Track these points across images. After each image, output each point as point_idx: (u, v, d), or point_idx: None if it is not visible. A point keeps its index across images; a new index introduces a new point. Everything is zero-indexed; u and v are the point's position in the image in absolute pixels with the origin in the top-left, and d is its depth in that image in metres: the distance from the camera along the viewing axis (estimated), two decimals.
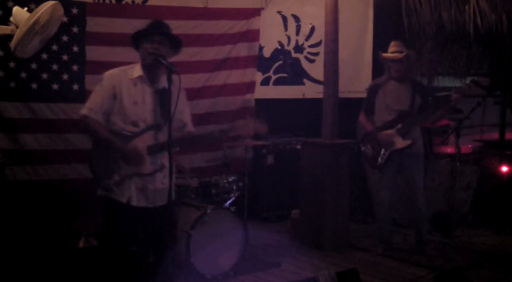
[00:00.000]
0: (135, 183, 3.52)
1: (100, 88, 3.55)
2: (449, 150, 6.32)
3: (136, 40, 3.54)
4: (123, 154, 3.47)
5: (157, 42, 3.45)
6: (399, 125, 5.14)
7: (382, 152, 5.21)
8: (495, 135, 6.62)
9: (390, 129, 5.17)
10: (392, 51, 5.20)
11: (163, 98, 3.46)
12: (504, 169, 6.19)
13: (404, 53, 5.15)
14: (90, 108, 3.52)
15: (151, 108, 3.53)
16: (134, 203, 3.53)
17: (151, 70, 3.54)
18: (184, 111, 3.69)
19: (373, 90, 5.38)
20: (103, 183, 3.52)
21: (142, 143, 3.48)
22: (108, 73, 3.58)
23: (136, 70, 3.55)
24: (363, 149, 5.41)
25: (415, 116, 5.15)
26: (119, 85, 3.51)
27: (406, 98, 5.17)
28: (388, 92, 5.24)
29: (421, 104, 5.19)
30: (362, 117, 5.45)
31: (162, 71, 3.52)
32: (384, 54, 5.24)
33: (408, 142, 5.12)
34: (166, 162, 3.40)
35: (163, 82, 3.48)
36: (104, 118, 3.53)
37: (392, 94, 5.22)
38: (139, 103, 3.51)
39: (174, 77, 3.32)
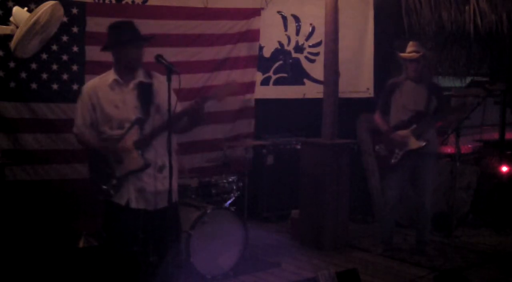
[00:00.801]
0: (133, 184, 3.52)
1: (80, 103, 3.62)
2: (449, 150, 6.32)
3: (112, 46, 3.55)
4: (114, 155, 3.50)
5: (140, 47, 3.52)
6: (414, 126, 5.14)
7: (396, 152, 5.20)
8: (495, 135, 6.62)
9: (405, 130, 5.17)
10: (410, 51, 5.20)
11: (141, 93, 3.52)
12: (504, 169, 6.20)
13: (420, 53, 5.16)
14: (76, 124, 3.63)
15: (133, 107, 3.55)
16: (133, 205, 3.53)
17: (125, 70, 3.57)
18: (171, 101, 3.58)
19: (390, 90, 5.36)
20: (102, 188, 3.54)
21: (129, 140, 3.50)
22: (85, 86, 3.67)
23: (110, 75, 3.57)
24: (376, 148, 5.40)
25: (430, 117, 5.14)
26: (96, 96, 3.55)
27: (422, 99, 5.16)
28: (405, 92, 5.23)
29: (437, 106, 5.18)
30: (377, 117, 5.42)
31: (135, 67, 3.57)
32: (402, 54, 5.24)
33: (422, 143, 5.10)
34: (166, 161, 3.39)
35: (139, 77, 3.56)
36: (92, 130, 3.60)
37: (408, 94, 5.21)
38: (120, 106, 3.53)
39: (155, 73, 3.43)
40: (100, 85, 3.58)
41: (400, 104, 5.24)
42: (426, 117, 5.13)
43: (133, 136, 3.50)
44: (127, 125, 3.51)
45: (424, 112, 5.15)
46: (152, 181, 3.53)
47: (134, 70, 3.57)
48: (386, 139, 5.28)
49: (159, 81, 3.53)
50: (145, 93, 3.51)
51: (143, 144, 3.50)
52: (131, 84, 3.56)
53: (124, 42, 3.49)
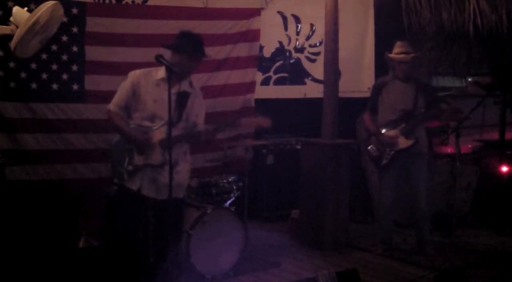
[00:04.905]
0: (147, 174, 3.76)
1: (122, 85, 3.86)
2: (449, 150, 6.32)
3: (177, 50, 3.77)
4: (139, 143, 3.72)
5: (195, 60, 3.79)
6: (403, 125, 5.15)
7: (386, 152, 5.21)
8: (495, 135, 6.62)
9: (394, 130, 5.17)
10: (399, 52, 5.19)
11: (181, 100, 3.77)
12: (504, 169, 6.20)
13: (411, 55, 5.16)
14: (113, 102, 3.85)
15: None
16: (144, 192, 3.76)
17: (176, 75, 3.71)
18: (199, 114, 3.95)
19: (377, 90, 5.37)
20: (117, 171, 3.78)
21: (156, 137, 3.73)
22: (132, 72, 3.87)
23: (160, 73, 3.80)
24: (368, 148, 5.41)
25: (418, 116, 5.15)
26: (140, 84, 3.80)
27: (409, 98, 5.17)
28: (392, 91, 5.24)
29: (425, 104, 5.19)
30: (367, 117, 5.44)
31: (185, 76, 3.80)
32: (391, 55, 5.22)
33: (411, 142, 5.12)
34: (179, 157, 3.75)
35: (184, 86, 3.79)
36: (125, 113, 3.83)
37: (396, 93, 5.22)
38: (159, 102, 3.74)
39: (196, 85, 3.85)
40: (146, 77, 3.82)
41: (388, 104, 5.26)
42: (414, 116, 5.14)
43: (160, 134, 3.71)
44: (158, 121, 3.75)
45: (412, 111, 5.16)
46: (165, 174, 3.66)
47: (183, 78, 3.79)
48: (376, 139, 5.29)
49: (195, 95, 3.86)
50: (183, 101, 3.79)
51: (167, 144, 3.62)
52: (174, 89, 3.74)
53: (188, 52, 3.73)
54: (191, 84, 3.88)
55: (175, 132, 3.65)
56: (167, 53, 3.75)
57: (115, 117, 3.82)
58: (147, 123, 3.77)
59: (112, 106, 3.84)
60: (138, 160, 3.75)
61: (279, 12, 6.47)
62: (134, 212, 3.84)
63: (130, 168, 3.75)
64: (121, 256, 3.79)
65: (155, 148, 3.73)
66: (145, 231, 4.07)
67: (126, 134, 3.78)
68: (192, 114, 3.85)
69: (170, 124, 3.43)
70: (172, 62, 3.64)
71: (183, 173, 3.89)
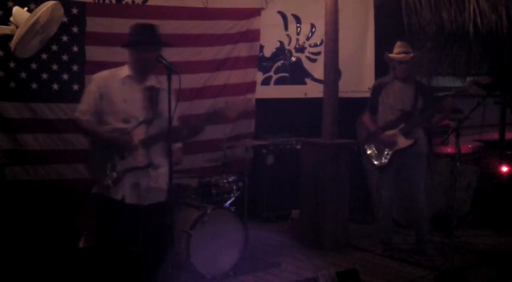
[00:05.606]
0: (129, 180, 3.56)
1: (87, 91, 3.69)
2: (449, 150, 6.32)
3: (130, 44, 3.62)
4: (120, 146, 3.53)
5: (152, 50, 3.53)
6: (402, 125, 5.16)
7: (385, 152, 5.22)
8: (495, 135, 6.62)
9: (393, 129, 5.19)
10: (399, 52, 5.21)
11: (151, 96, 3.61)
12: (504, 169, 6.19)
13: (411, 55, 5.17)
14: (80, 110, 3.64)
15: (140, 105, 3.63)
16: (128, 200, 3.57)
17: (139, 70, 3.65)
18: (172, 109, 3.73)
19: (376, 90, 5.39)
20: (100, 182, 3.58)
21: (135, 138, 3.56)
22: (96, 75, 3.71)
23: (124, 71, 3.66)
24: (367, 148, 5.41)
25: (417, 117, 5.16)
26: (106, 86, 3.61)
27: (409, 98, 5.19)
28: (392, 92, 5.26)
29: (423, 105, 5.20)
30: (366, 117, 5.45)
31: (151, 70, 3.65)
32: (392, 55, 5.24)
33: (410, 141, 5.13)
34: (160, 160, 3.55)
35: (151, 81, 3.65)
36: (95, 118, 3.61)
37: (396, 94, 5.24)
38: (129, 101, 3.61)
39: (162, 81, 3.47)
40: (111, 77, 3.64)
41: (388, 104, 5.27)
42: (413, 117, 5.15)
43: (140, 134, 3.56)
44: (133, 121, 3.58)
45: (411, 111, 5.17)
46: (147, 178, 3.60)
47: (148, 73, 3.66)
48: (376, 139, 5.30)
49: (164, 90, 3.52)
50: (154, 97, 3.61)
51: (149, 143, 3.57)
52: (142, 86, 3.65)
53: (142, 44, 3.56)
54: (169, 78, 3.43)
55: (152, 130, 3.56)
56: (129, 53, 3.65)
57: (85, 125, 3.61)
58: (121, 125, 3.56)
59: (79, 114, 3.62)
60: (121, 165, 3.53)
61: (279, 12, 6.47)
62: (122, 222, 3.61)
63: (115, 175, 3.52)
64: (119, 259, 3.73)
65: (137, 149, 3.55)
66: (145, 233, 4.04)
67: (104, 140, 3.56)
68: (164, 110, 3.46)
69: (170, 122, 3.31)
70: (133, 60, 3.59)
71: (165, 175, 3.52)
